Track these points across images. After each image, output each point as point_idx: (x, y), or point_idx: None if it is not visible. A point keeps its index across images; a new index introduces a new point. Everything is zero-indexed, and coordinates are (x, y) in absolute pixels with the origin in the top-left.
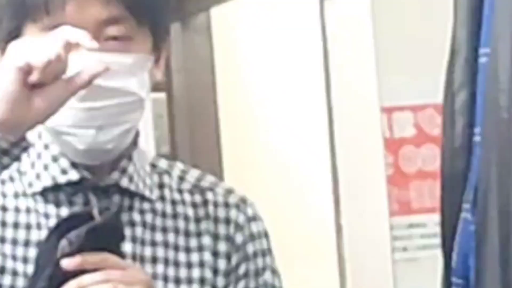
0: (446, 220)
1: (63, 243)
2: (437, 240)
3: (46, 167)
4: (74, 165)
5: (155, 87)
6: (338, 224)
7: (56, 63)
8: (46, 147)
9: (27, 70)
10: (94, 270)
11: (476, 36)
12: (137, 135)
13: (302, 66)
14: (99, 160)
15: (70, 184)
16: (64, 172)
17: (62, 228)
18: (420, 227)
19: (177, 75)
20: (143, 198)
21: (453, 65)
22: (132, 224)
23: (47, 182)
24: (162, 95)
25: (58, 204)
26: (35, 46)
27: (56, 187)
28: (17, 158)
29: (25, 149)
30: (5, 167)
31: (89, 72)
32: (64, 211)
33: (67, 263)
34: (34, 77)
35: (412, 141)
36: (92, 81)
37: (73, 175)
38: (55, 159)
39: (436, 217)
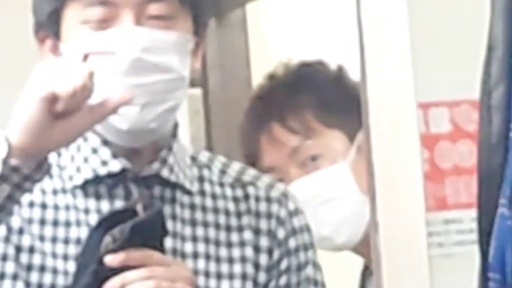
0: (483, 216)
1: (107, 239)
2: (473, 236)
3: (86, 160)
4: (114, 156)
5: (191, 83)
6: (374, 220)
7: (81, 92)
8: (85, 139)
9: (52, 100)
10: (138, 266)
11: None
12: (176, 126)
13: (338, 61)
14: (142, 141)
15: (110, 176)
16: (104, 163)
17: (105, 224)
18: (456, 223)
19: (212, 71)
20: (183, 190)
21: (490, 60)
22: (173, 217)
23: (87, 174)
24: (198, 91)
25: (98, 198)
26: (60, 73)
27: (96, 180)
28: (39, 181)
29: (47, 171)
30: (27, 191)
31: (115, 100)
32: (105, 205)
33: (111, 260)
34: (59, 107)
35: (448, 137)
36: (117, 110)
37: (114, 166)
38: (94, 150)
39: (472, 213)
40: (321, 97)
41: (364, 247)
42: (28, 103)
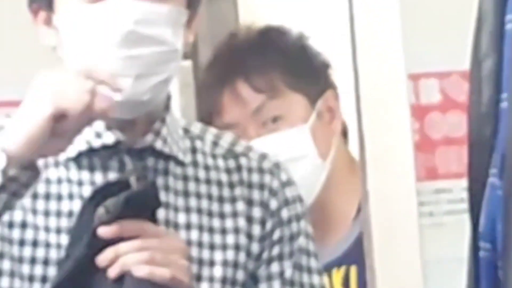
0: (474, 185)
1: (100, 211)
2: (464, 205)
3: None
4: (108, 128)
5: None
6: (364, 189)
7: (86, 112)
8: None
9: (58, 117)
10: (131, 238)
11: (503, 3)
12: (169, 98)
13: (328, 32)
14: (135, 113)
15: (104, 148)
16: (98, 135)
17: (98, 196)
18: (447, 193)
19: (203, 44)
20: (177, 161)
21: (480, 32)
22: (166, 188)
23: (81, 146)
24: (188, 63)
25: (92, 170)
26: (66, 88)
27: (90, 152)
28: (26, 184)
29: (38, 176)
30: (14, 193)
31: (100, 105)
32: (99, 177)
33: (105, 231)
34: (67, 126)
35: (438, 108)
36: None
37: (108, 138)
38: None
39: (462, 183)
40: (287, 60)
41: (314, 212)
42: (32, 116)
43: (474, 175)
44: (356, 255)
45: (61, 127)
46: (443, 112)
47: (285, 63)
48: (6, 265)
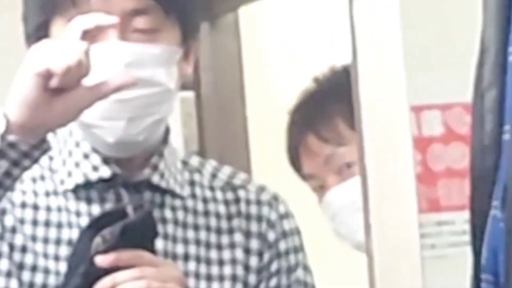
0: (476, 218)
1: (98, 240)
2: (466, 238)
3: (77, 165)
4: (105, 161)
5: (184, 86)
6: (367, 222)
7: (76, 68)
8: (77, 144)
9: (46, 76)
10: (128, 267)
11: (505, 35)
12: (167, 131)
13: (330, 64)
14: (130, 152)
15: (101, 181)
16: (95, 169)
17: (96, 225)
18: (449, 225)
19: (205, 74)
20: (174, 195)
21: (482, 63)
22: (164, 221)
23: (78, 179)
24: (190, 94)
25: (89, 202)
26: (56, 51)
27: (87, 184)
28: (37, 161)
29: (46, 151)
30: (26, 168)
31: (115, 82)
32: (96, 209)
33: (102, 260)
34: (54, 83)
35: (441, 140)
36: (116, 92)
37: (105, 172)
38: (86, 156)
39: (464, 215)
40: (351, 103)
41: None
42: (24, 79)
43: (476, 207)
44: None
45: (52, 85)
46: (446, 144)
47: (350, 108)
48: (14, 285)
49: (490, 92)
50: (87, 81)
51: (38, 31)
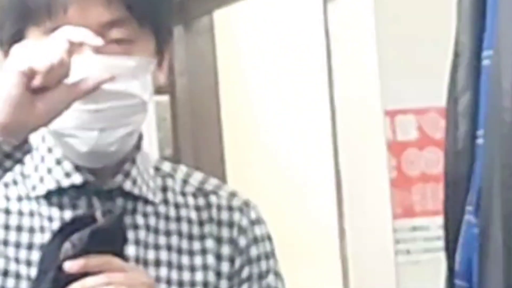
0: (450, 223)
1: (66, 245)
2: (440, 243)
3: (49, 171)
4: (77, 168)
5: (158, 90)
6: (341, 227)
7: (59, 67)
8: (50, 150)
9: (29, 74)
10: (97, 272)
11: (479, 39)
12: (140, 138)
13: (305, 68)
14: (102, 163)
15: (73, 187)
16: (67, 175)
17: (65, 231)
18: (423, 230)
19: (180, 78)
20: (146, 201)
21: (456, 68)
22: (135, 227)
23: (50, 185)
24: (165, 98)
25: (61, 207)
26: (38, 50)
27: (59, 190)
28: (20, 161)
29: (28, 152)
30: (8, 170)
31: (95, 78)
32: (68, 214)
33: (70, 266)
34: (36, 82)
35: (415, 144)
36: (97, 87)
37: (77, 179)
38: (58, 162)
39: (439, 220)
40: None
41: None
42: (6, 78)
43: (450, 212)
44: None
45: (34, 84)
46: (420, 149)
47: None
48: None
49: (464, 96)
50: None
51: (12, 40)
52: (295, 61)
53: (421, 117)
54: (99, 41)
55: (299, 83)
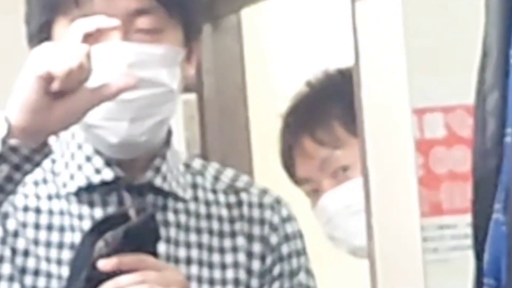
0: (478, 221)
1: (100, 244)
2: (468, 241)
3: (80, 167)
4: (108, 164)
5: (186, 88)
6: (369, 225)
7: (78, 72)
8: (80, 147)
9: (48, 79)
10: (131, 271)
11: (507, 37)
12: (170, 134)
13: (333, 67)
14: (133, 154)
15: (104, 184)
16: (98, 171)
17: (98, 229)
18: (451, 228)
19: (207, 76)
20: (176, 198)
21: (484, 66)
22: (166, 224)
23: (81, 182)
24: (192, 96)
25: (92, 205)
26: (57, 53)
27: (90, 187)
28: (39, 164)
29: (47, 155)
30: (27, 173)
31: (117, 85)
32: (98, 212)
33: (104, 264)
34: (55, 86)
35: (443, 142)
36: (117, 94)
37: (107, 174)
38: (88, 158)
39: (466, 218)
40: (348, 106)
41: None
42: (25, 82)
43: (478, 210)
44: None
45: (53, 88)
46: (448, 147)
47: (346, 110)
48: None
49: (492, 95)
50: (89, 83)
51: (40, 32)
52: (323, 59)
53: (449, 115)
54: (114, 22)
55: None
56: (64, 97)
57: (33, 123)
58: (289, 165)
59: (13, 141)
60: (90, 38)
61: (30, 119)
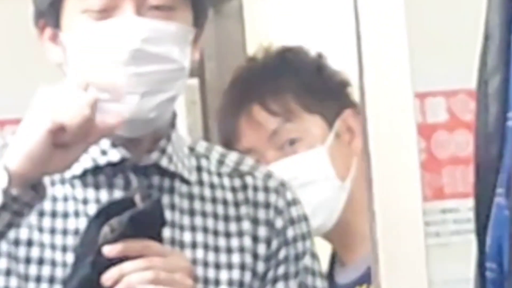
0: (480, 205)
1: (105, 229)
2: (470, 225)
3: None
4: (113, 145)
5: (188, 74)
6: (371, 210)
7: (86, 125)
8: None
9: (57, 132)
10: (136, 257)
11: (509, 21)
12: (174, 116)
13: (335, 51)
14: (141, 131)
15: (110, 165)
16: (104, 153)
17: (104, 214)
18: (453, 212)
19: (209, 61)
20: (182, 180)
21: (486, 50)
22: (172, 207)
23: (87, 164)
24: (195, 82)
25: (97, 187)
26: (66, 103)
27: (95, 170)
28: (28, 204)
29: (43, 198)
30: (16, 212)
31: (109, 123)
32: (104, 195)
33: (109, 250)
34: (65, 139)
35: (445, 127)
36: (112, 132)
37: (113, 156)
38: None
39: (468, 202)
40: (302, 82)
41: (335, 233)
42: (32, 132)
43: (480, 195)
44: None
45: (61, 140)
46: (450, 131)
47: (300, 85)
48: (13, 283)
49: (494, 78)
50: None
51: (51, 7)
52: (325, 43)
53: (450, 99)
54: (124, 113)
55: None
56: (66, 147)
57: (33, 171)
58: (232, 135)
59: (14, 191)
60: (104, 13)
61: (32, 168)
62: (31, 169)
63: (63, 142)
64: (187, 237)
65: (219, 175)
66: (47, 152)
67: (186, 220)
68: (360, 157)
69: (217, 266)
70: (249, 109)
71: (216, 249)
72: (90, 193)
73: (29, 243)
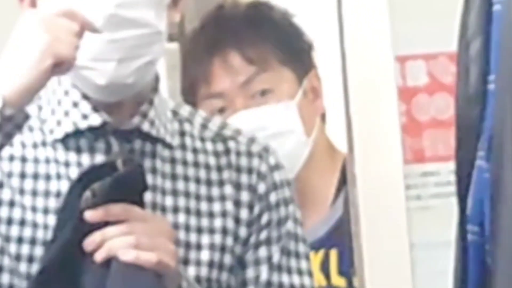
0: (461, 168)
1: (87, 194)
2: (451, 188)
3: (66, 113)
4: (95, 109)
5: (168, 38)
6: (352, 173)
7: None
8: (67, 93)
9: (57, 65)
10: (118, 222)
11: None
12: (157, 80)
13: (315, 13)
14: (120, 96)
15: (91, 129)
16: (85, 117)
17: (85, 179)
18: (434, 175)
19: (190, 25)
20: (164, 144)
21: (467, 13)
22: (154, 171)
23: (68, 128)
24: (175, 46)
25: (79, 151)
26: (57, 33)
27: (77, 133)
28: (19, 126)
29: (28, 117)
30: (8, 134)
31: None
32: (85, 158)
33: (91, 215)
34: (64, 69)
35: (426, 90)
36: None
37: (95, 120)
38: (75, 104)
39: (449, 165)
40: (279, 34)
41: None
42: (30, 65)
43: (461, 157)
44: (336, 238)
45: (59, 73)
46: (430, 94)
47: (277, 37)
48: None
49: (475, 41)
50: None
51: None
52: (304, 8)
53: (431, 62)
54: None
55: (308, 29)
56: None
57: (30, 99)
58: (201, 78)
59: (8, 111)
60: None
61: (29, 97)
62: (27, 100)
63: (58, 72)
64: (168, 201)
65: (202, 139)
66: (45, 83)
67: (168, 185)
68: (320, 119)
69: (199, 231)
70: (224, 53)
71: (198, 214)
72: (72, 156)
73: (11, 204)
